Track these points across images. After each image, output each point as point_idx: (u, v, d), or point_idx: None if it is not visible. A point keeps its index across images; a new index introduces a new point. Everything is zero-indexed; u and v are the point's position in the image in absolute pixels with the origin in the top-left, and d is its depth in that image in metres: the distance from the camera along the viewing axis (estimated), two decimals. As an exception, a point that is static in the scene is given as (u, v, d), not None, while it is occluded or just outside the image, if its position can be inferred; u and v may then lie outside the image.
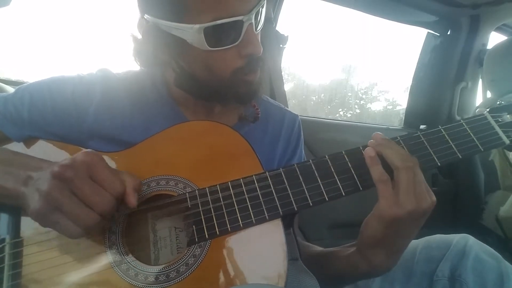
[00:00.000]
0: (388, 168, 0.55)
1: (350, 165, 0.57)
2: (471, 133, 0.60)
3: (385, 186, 0.53)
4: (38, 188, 0.48)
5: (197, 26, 0.54)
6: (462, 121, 0.61)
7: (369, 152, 0.56)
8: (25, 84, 0.66)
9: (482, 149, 0.59)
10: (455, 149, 0.59)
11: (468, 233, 0.68)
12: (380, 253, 0.57)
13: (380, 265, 0.58)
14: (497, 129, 0.60)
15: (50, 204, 0.46)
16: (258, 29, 0.60)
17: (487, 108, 0.63)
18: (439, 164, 0.58)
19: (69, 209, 0.46)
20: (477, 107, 1.57)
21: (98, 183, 0.48)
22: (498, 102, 0.65)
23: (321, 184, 0.56)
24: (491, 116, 0.62)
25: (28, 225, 0.55)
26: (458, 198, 1.92)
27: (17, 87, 0.67)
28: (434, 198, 0.54)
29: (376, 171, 0.54)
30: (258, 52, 0.59)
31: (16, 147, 0.63)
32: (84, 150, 0.51)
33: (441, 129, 0.60)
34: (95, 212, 0.47)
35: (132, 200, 0.51)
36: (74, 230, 0.47)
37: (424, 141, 0.59)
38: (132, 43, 0.67)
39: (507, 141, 0.60)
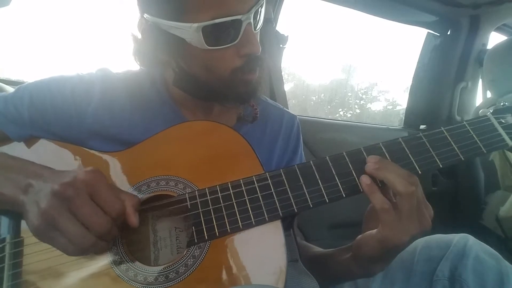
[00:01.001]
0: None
1: (351, 167, 0.57)
2: (474, 135, 0.59)
3: (387, 214, 0.52)
4: (37, 202, 0.47)
5: (195, 25, 0.54)
6: (464, 123, 0.60)
7: (365, 180, 0.54)
8: (25, 84, 0.66)
9: (485, 151, 0.58)
10: (457, 151, 0.57)
11: (468, 233, 0.67)
12: (377, 264, 0.58)
13: (375, 270, 0.60)
14: (501, 130, 0.59)
15: (47, 222, 0.46)
16: (257, 28, 0.60)
17: (490, 109, 0.62)
18: (441, 166, 0.57)
19: (65, 228, 0.46)
20: (477, 107, 1.57)
21: (98, 203, 0.48)
22: (502, 104, 0.64)
23: (321, 186, 0.56)
24: (495, 117, 0.60)
25: (28, 225, 0.55)
26: (458, 198, 1.93)
27: (17, 86, 0.67)
28: (431, 212, 0.54)
29: (377, 200, 0.52)
30: (257, 51, 0.59)
31: (17, 146, 0.63)
32: (86, 168, 0.50)
33: (443, 130, 0.59)
34: (91, 233, 0.47)
35: (134, 220, 0.51)
36: (69, 249, 0.47)
37: (426, 142, 0.58)
38: (132, 43, 0.67)
39: (511, 143, 0.59)
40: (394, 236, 0.52)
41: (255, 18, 0.57)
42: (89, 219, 0.47)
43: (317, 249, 0.78)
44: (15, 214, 0.56)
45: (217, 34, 0.55)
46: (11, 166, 0.56)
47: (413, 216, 0.51)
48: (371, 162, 0.55)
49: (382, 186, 0.54)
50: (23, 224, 0.56)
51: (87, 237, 0.47)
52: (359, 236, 0.59)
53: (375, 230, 0.55)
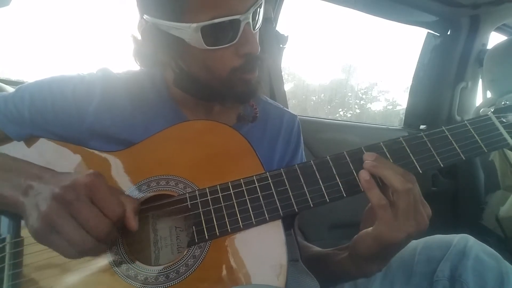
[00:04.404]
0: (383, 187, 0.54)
1: (352, 166, 0.57)
2: (475, 134, 0.59)
3: (384, 211, 0.52)
4: (38, 205, 0.47)
5: (194, 25, 0.54)
6: (465, 122, 0.60)
7: (364, 176, 0.54)
8: (26, 83, 0.66)
9: (486, 150, 0.58)
10: (458, 150, 0.58)
11: (468, 233, 0.68)
12: (373, 263, 0.58)
13: (372, 270, 0.59)
14: (502, 130, 0.59)
15: (47, 225, 0.46)
16: (256, 28, 0.60)
17: (492, 109, 0.63)
18: (441, 165, 0.57)
19: (65, 232, 0.46)
20: (478, 107, 1.57)
21: (98, 206, 0.48)
22: (503, 103, 0.64)
23: (322, 185, 0.56)
24: (495, 116, 0.61)
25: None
26: (458, 198, 1.92)
27: (18, 86, 0.67)
28: (429, 211, 0.54)
29: (375, 196, 0.53)
30: (256, 51, 0.59)
31: (17, 146, 0.63)
32: (87, 171, 0.50)
33: (444, 130, 0.59)
34: (91, 236, 0.47)
35: (133, 223, 0.51)
36: (69, 252, 0.47)
37: (427, 141, 0.58)
38: (132, 44, 0.67)
39: None
40: (390, 233, 0.52)
41: (253, 18, 0.58)
42: (89, 222, 0.46)
43: (317, 249, 0.78)
44: (15, 214, 0.56)
45: (216, 34, 0.56)
46: (11, 167, 0.56)
47: (410, 214, 0.51)
48: (369, 160, 0.55)
49: (382, 185, 0.54)
50: (23, 224, 0.56)
51: (87, 240, 0.46)
52: (356, 235, 0.59)
53: (371, 227, 0.55)
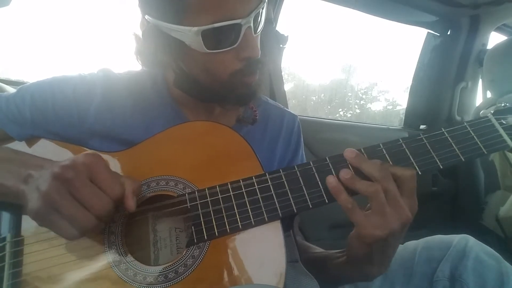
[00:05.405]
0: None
1: (350, 167, 0.57)
2: (474, 136, 0.59)
3: (353, 213, 0.52)
4: (38, 187, 0.47)
5: (195, 28, 0.54)
6: (465, 123, 0.60)
7: (331, 182, 0.54)
8: (27, 84, 0.66)
9: (486, 152, 0.58)
10: (458, 152, 0.57)
11: (468, 233, 0.68)
12: (371, 265, 0.57)
13: (372, 273, 0.59)
14: (501, 131, 0.59)
15: (48, 205, 0.46)
16: (257, 31, 0.60)
17: (491, 110, 0.63)
18: (441, 167, 0.57)
19: (66, 210, 0.46)
20: (477, 107, 1.57)
21: (97, 185, 0.48)
22: (503, 104, 0.64)
23: (321, 187, 0.56)
24: (495, 118, 0.60)
25: (29, 224, 0.55)
26: (458, 198, 1.93)
27: (19, 87, 0.67)
28: (415, 205, 0.52)
29: (342, 200, 0.53)
30: (256, 55, 0.59)
31: (18, 146, 0.63)
32: (85, 151, 0.50)
33: (444, 132, 0.59)
34: (91, 214, 0.47)
35: (131, 203, 0.50)
36: (70, 232, 0.47)
37: (427, 143, 0.58)
38: (134, 43, 0.67)
39: (511, 144, 0.58)
40: (367, 232, 0.51)
41: (255, 21, 0.57)
42: (89, 200, 0.47)
43: (318, 250, 0.78)
44: (16, 213, 0.56)
45: (216, 38, 0.55)
46: (13, 159, 0.57)
47: (384, 212, 0.50)
48: (349, 157, 0.55)
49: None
50: (24, 223, 0.56)
51: (87, 218, 0.47)
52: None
53: (354, 229, 0.55)
